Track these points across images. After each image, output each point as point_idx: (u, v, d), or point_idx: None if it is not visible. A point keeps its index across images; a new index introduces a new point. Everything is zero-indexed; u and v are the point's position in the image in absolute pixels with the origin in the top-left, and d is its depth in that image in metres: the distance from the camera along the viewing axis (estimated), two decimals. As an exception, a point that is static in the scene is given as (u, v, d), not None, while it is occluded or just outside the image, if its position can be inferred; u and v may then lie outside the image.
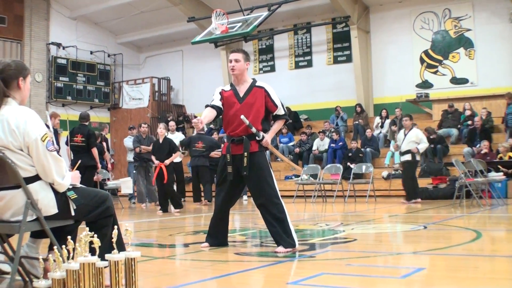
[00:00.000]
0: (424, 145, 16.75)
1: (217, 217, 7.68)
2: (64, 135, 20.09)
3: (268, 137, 7.48)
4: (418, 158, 17.00)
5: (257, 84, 7.57)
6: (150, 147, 18.54)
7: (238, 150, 7.41)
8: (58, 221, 4.93)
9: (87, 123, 16.13)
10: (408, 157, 16.69)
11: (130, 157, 20.02)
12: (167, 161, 15.51)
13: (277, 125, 7.72)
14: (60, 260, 4.07)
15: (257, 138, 7.38)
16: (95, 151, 15.62)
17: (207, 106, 7.61)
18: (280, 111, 7.60)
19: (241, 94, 7.50)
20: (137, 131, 20.33)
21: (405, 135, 16.91)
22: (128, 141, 20.13)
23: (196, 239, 8.87)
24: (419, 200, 16.88)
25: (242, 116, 7.26)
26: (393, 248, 7.98)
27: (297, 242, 7.17)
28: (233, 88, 7.61)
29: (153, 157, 15.97)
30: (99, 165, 16.43)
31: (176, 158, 19.94)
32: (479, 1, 24.00)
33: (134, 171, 18.97)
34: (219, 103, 7.56)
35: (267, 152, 9.38)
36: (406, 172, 17.09)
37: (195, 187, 18.80)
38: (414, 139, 16.61)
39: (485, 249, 7.44)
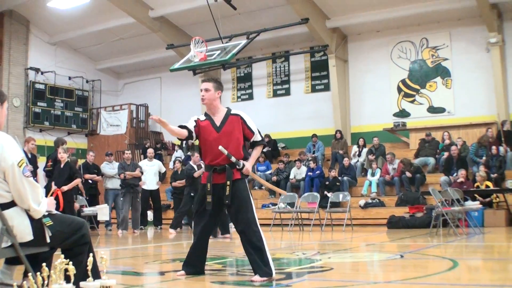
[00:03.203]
0: None
1: (196, 246, 7.61)
2: (42, 160, 20.00)
3: (248, 165, 7.45)
4: None
5: (232, 112, 7.54)
6: (135, 173, 18.45)
7: (219, 179, 7.36)
8: (33, 247, 4.90)
9: (59, 149, 16.03)
10: None
11: (107, 183, 19.84)
12: (65, 187, 14.49)
13: (256, 152, 7.67)
14: (34, 287, 4.03)
15: (237, 167, 7.35)
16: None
17: (180, 125, 7.60)
18: (257, 137, 7.56)
19: (218, 123, 7.45)
20: (114, 158, 20.25)
21: None
22: (106, 168, 19.97)
23: (172, 267, 8.83)
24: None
25: (220, 147, 7.21)
26: (370, 277, 7.97)
27: (274, 271, 7.11)
28: (208, 118, 7.55)
29: (52, 184, 14.88)
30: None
31: (153, 185, 19.95)
32: (456, 30, 24.21)
33: (121, 198, 18.78)
34: (191, 126, 7.52)
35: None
36: None
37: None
38: None
39: (462, 278, 7.45)
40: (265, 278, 6.97)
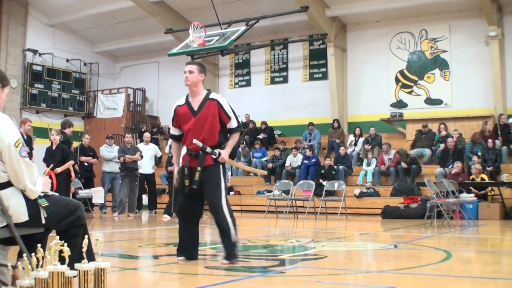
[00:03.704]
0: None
1: (183, 231, 7.71)
2: (38, 142, 19.96)
3: (224, 154, 7.54)
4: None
5: (210, 96, 7.61)
6: (135, 156, 18.41)
7: (194, 163, 7.53)
8: (28, 228, 4.89)
9: (65, 130, 16.07)
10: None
11: (105, 166, 19.80)
12: (59, 169, 14.50)
13: (233, 140, 7.76)
14: (29, 268, 4.03)
15: (213, 156, 7.46)
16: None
17: (170, 136, 7.94)
18: (233, 124, 7.64)
19: (195, 108, 7.56)
20: (114, 141, 20.22)
21: None
22: (105, 151, 19.91)
23: (166, 251, 8.85)
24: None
25: (195, 140, 7.37)
26: (363, 266, 7.99)
27: (237, 255, 7.38)
28: (187, 102, 7.66)
29: (44, 166, 14.64)
30: (73, 174, 16.09)
31: (149, 169, 19.96)
32: (456, 23, 24.19)
33: (120, 181, 18.80)
34: (177, 132, 7.79)
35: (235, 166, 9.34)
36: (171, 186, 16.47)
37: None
38: None
39: (455, 270, 7.47)
40: (225, 261, 7.28)
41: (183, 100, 7.73)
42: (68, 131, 16.65)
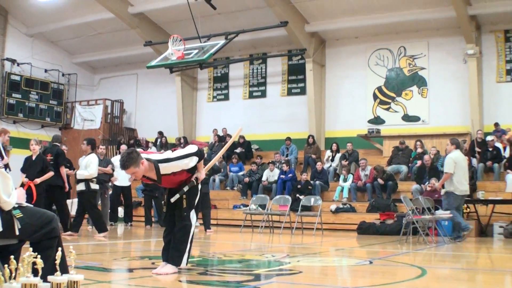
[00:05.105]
0: (84, 173, 15.01)
1: (168, 236, 7.92)
2: (14, 152, 19.86)
3: (200, 176, 7.83)
4: (94, 187, 15.14)
5: (163, 173, 7.50)
6: (106, 169, 18.30)
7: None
8: (1, 239, 4.85)
9: (59, 144, 16.07)
10: (82, 186, 15.07)
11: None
12: (38, 180, 14.36)
13: (199, 165, 7.88)
14: (1, 279, 3.99)
15: (192, 185, 7.75)
16: (63, 170, 15.42)
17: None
18: (192, 165, 7.67)
19: (155, 178, 7.58)
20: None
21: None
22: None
23: (140, 264, 8.80)
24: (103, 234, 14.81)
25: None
26: (338, 282, 7.98)
27: (183, 264, 7.65)
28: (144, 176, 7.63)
29: (22, 176, 14.64)
30: (67, 186, 16.01)
31: (125, 181, 19.83)
32: (435, 40, 24.36)
33: None
34: None
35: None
36: (84, 203, 15.25)
37: None
38: (85, 165, 15.18)
39: (429, 286, 7.47)
40: (170, 270, 7.54)
41: None
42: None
